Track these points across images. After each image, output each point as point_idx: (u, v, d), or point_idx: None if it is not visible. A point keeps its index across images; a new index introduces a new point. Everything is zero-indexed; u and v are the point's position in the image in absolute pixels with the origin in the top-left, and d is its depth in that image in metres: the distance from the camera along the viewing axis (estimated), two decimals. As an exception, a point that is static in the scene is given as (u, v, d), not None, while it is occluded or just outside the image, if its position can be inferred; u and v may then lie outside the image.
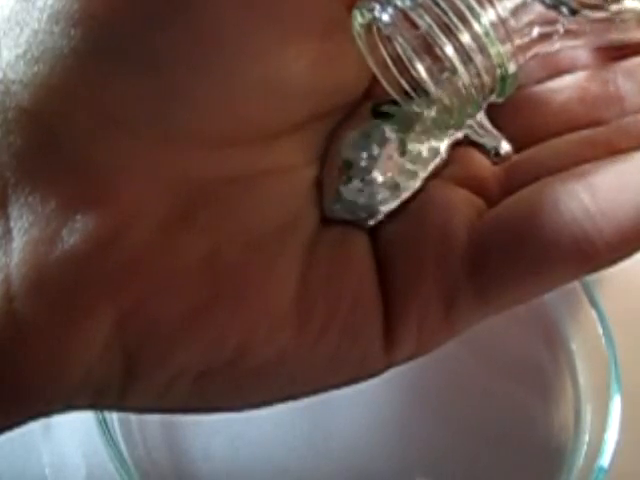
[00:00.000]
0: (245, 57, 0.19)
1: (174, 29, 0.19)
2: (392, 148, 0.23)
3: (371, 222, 0.23)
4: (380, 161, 0.22)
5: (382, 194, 0.22)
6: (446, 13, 0.19)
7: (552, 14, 0.21)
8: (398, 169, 0.22)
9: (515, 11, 0.20)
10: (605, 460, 0.29)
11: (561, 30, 0.21)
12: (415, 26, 0.19)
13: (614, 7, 0.21)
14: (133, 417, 0.31)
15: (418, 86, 0.21)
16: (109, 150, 0.19)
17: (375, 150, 0.23)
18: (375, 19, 0.20)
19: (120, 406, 0.21)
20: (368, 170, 0.22)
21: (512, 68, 0.20)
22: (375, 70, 0.21)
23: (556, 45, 0.21)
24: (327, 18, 0.20)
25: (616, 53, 0.24)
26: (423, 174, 0.23)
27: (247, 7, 0.19)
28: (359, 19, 0.20)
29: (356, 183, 0.22)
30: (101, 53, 0.19)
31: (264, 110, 0.20)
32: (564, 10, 0.20)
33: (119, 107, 0.19)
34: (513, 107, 0.23)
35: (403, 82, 0.21)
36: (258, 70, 0.20)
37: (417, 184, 0.23)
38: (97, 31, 0.19)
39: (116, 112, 0.19)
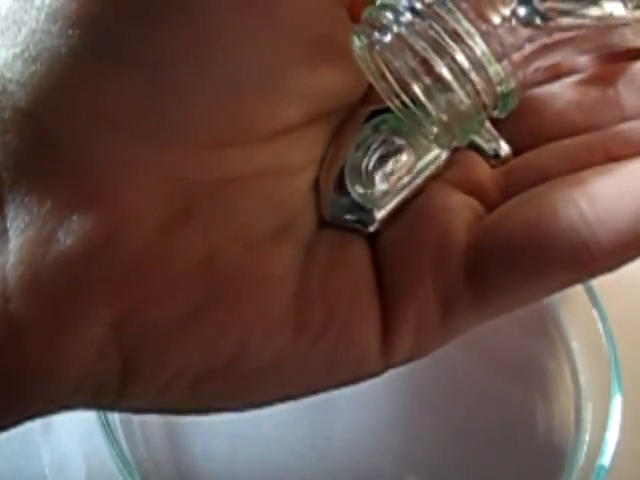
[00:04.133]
0: (244, 58, 0.19)
1: (172, 29, 0.19)
2: (391, 152, 0.23)
3: (371, 228, 0.23)
4: (378, 165, 0.22)
5: (379, 198, 0.22)
6: (442, 36, 0.19)
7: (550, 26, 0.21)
8: (396, 173, 0.22)
9: (510, 28, 0.20)
10: (606, 459, 0.29)
11: (558, 39, 0.21)
12: (413, 49, 0.20)
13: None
14: (135, 417, 0.31)
15: (420, 103, 0.21)
16: (106, 150, 0.19)
17: (373, 154, 0.23)
18: (372, 45, 0.20)
19: (117, 406, 0.21)
20: (365, 174, 0.22)
21: (512, 84, 0.20)
22: (377, 87, 0.21)
23: (558, 56, 0.21)
24: (327, 19, 0.20)
25: (617, 57, 0.24)
26: (422, 177, 0.23)
27: (246, 7, 0.19)
28: (357, 44, 0.20)
29: (353, 187, 0.22)
30: (99, 53, 0.19)
31: (263, 111, 0.20)
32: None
33: (117, 107, 0.19)
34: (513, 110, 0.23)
35: (405, 98, 0.21)
36: (257, 72, 0.20)
37: (415, 186, 0.23)
38: (95, 31, 0.19)
39: (114, 112, 0.19)
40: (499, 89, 0.20)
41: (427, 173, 0.23)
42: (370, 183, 0.22)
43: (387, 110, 0.23)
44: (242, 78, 0.20)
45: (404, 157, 0.23)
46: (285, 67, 0.20)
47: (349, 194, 0.22)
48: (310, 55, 0.20)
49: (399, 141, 0.23)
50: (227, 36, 0.19)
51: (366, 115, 0.23)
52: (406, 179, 0.23)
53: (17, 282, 0.18)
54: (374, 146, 0.23)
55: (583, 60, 0.24)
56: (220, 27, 0.19)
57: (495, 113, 0.21)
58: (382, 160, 0.23)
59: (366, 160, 0.23)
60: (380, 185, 0.22)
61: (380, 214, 0.22)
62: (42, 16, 0.19)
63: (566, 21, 0.21)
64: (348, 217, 0.22)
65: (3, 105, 0.19)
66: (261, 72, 0.20)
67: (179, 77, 0.19)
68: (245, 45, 0.19)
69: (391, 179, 0.22)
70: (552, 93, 0.24)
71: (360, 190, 0.22)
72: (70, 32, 0.18)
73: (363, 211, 0.22)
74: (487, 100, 0.20)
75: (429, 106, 0.20)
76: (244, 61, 0.19)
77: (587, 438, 0.31)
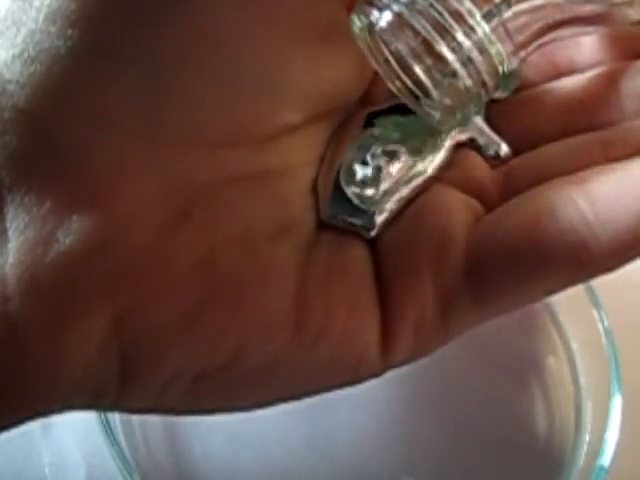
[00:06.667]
0: (244, 58, 0.19)
1: (172, 30, 0.19)
2: (388, 156, 0.23)
3: (372, 233, 0.22)
4: (376, 169, 0.22)
5: (376, 200, 0.22)
6: (443, 16, 0.19)
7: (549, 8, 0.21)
8: (394, 176, 0.22)
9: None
10: (606, 459, 0.29)
11: (560, 19, 0.21)
12: (414, 29, 0.19)
13: None
14: (135, 417, 0.31)
15: (421, 84, 0.21)
16: (106, 151, 0.19)
17: (371, 158, 0.22)
18: (372, 25, 0.20)
19: (117, 407, 0.21)
20: (364, 177, 0.22)
21: (514, 64, 0.20)
22: (379, 69, 0.21)
23: (560, 35, 0.21)
24: (326, 19, 0.20)
25: (619, 53, 0.24)
26: (420, 179, 0.23)
27: (246, 7, 0.19)
28: (357, 23, 0.20)
29: (351, 191, 0.22)
30: (98, 54, 0.19)
31: (262, 111, 0.20)
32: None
33: (116, 108, 0.19)
34: (513, 109, 0.23)
35: (407, 80, 0.21)
36: (257, 71, 0.20)
37: (414, 187, 0.23)
38: (94, 31, 0.19)
39: (113, 113, 0.19)
40: (500, 69, 0.20)
41: (425, 176, 0.23)
42: (365, 185, 0.22)
43: (386, 111, 0.23)
44: (243, 78, 0.20)
45: (400, 160, 0.23)
46: (286, 67, 0.20)
47: (348, 198, 0.22)
48: (310, 54, 0.20)
49: (394, 145, 0.23)
50: (228, 36, 0.19)
51: (364, 116, 0.23)
52: (403, 180, 0.22)
53: (16, 282, 0.18)
54: (368, 151, 0.23)
55: (585, 58, 0.24)
56: (221, 26, 0.19)
57: (497, 94, 0.21)
58: (377, 162, 0.23)
59: (360, 165, 0.22)
60: (376, 187, 0.22)
61: (380, 218, 0.22)
62: (41, 17, 0.19)
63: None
64: (348, 221, 0.22)
65: (2, 106, 0.19)
66: (262, 72, 0.20)
67: (179, 77, 0.19)
68: (246, 45, 0.19)
69: (387, 182, 0.22)
70: (553, 92, 0.24)
71: (356, 191, 0.22)
72: (69, 32, 0.18)
73: (363, 215, 0.22)
74: (489, 80, 0.20)
75: (430, 87, 0.20)
76: (245, 61, 0.19)
77: (587, 438, 0.31)
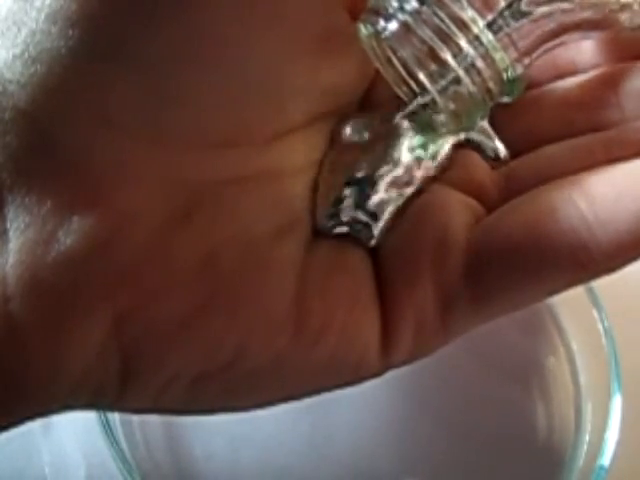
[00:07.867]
0: (245, 58, 0.19)
1: (173, 30, 0.19)
2: (389, 164, 0.23)
3: (372, 242, 0.22)
4: (376, 177, 0.22)
5: (377, 211, 0.22)
6: (447, 24, 0.19)
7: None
8: (395, 185, 0.22)
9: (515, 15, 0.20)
10: (606, 459, 0.29)
11: (563, 24, 0.21)
12: (419, 37, 0.20)
13: None
14: (135, 417, 0.31)
15: (427, 90, 0.21)
16: (106, 151, 0.19)
17: (371, 166, 0.22)
18: (378, 33, 0.20)
19: (117, 406, 0.21)
20: (364, 183, 0.22)
21: (519, 70, 0.20)
22: (385, 75, 0.21)
23: (563, 40, 0.21)
24: (327, 19, 0.20)
25: (620, 55, 0.24)
26: (420, 185, 0.23)
27: (248, 7, 0.19)
28: (363, 32, 0.20)
29: (351, 200, 0.22)
30: (99, 54, 0.19)
31: (263, 111, 0.20)
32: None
33: (116, 108, 0.19)
34: (513, 110, 0.23)
35: (413, 85, 0.21)
36: (258, 71, 0.20)
37: (414, 190, 0.23)
38: (95, 31, 0.19)
39: (113, 113, 0.19)
40: (505, 75, 0.20)
41: (425, 179, 0.23)
42: (366, 195, 0.22)
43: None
44: (245, 79, 0.20)
45: (398, 170, 0.23)
46: (288, 67, 0.20)
47: (346, 208, 0.22)
48: (312, 55, 0.20)
49: (394, 155, 0.23)
50: (230, 37, 0.19)
51: (379, 120, 0.23)
52: (400, 190, 0.22)
53: (17, 282, 0.18)
54: (376, 158, 0.23)
55: (586, 58, 0.24)
56: (222, 28, 0.19)
57: (503, 99, 0.21)
58: (376, 174, 0.22)
59: (359, 174, 0.22)
60: (376, 196, 0.22)
61: (378, 228, 0.22)
62: (42, 17, 0.19)
63: (568, 6, 0.21)
64: (346, 232, 0.22)
65: (3, 106, 0.19)
66: (264, 73, 0.20)
67: (181, 78, 0.19)
68: (247, 46, 0.19)
69: (386, 192, 0.22)
70: (553, 93, 0.24)
71: (356, 200, 0.22)
72: (70, 33, 0.18)
73: (362, 226, 0.22)
74: (493, 87, 0.20)
75: (435, 93, 0.20)
76: (247, 61, 0.19)
77: (587, 438, 0.31)
